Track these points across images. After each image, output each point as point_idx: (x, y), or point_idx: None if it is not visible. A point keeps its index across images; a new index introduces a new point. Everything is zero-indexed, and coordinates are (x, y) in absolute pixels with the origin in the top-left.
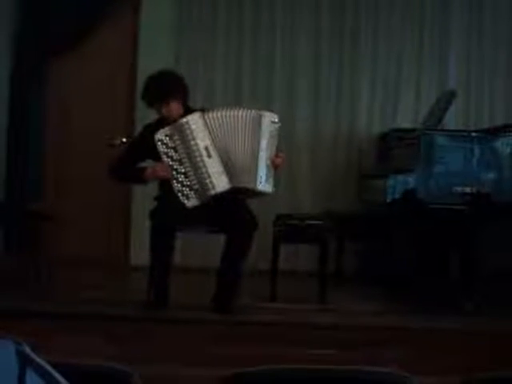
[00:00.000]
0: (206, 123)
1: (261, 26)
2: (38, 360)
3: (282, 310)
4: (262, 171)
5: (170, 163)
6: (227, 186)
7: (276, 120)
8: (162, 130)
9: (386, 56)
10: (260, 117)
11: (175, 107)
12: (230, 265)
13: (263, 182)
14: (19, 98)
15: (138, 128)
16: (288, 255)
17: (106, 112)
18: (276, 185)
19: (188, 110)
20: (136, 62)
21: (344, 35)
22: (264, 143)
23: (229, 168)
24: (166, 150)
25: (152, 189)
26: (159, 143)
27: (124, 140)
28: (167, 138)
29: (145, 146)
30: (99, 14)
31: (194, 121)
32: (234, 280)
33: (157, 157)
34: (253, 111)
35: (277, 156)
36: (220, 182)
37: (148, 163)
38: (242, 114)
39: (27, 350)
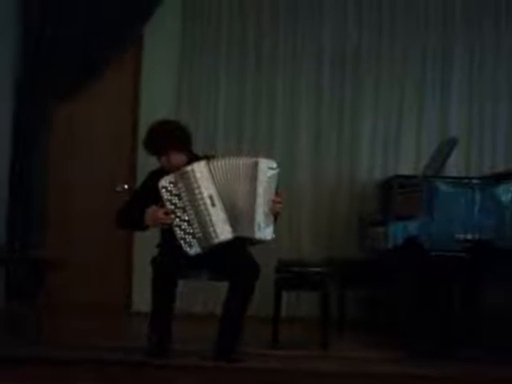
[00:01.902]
0: (210, 172)
1: (262, 70)
2: None
3: (284, 357)
4: (260, 218)
5: (174, 210)
6: (230, 236)
7: (274, 166)
8: (166, 177)
9: (387, 103)
10: (256, 164)
11: (176, 158)
12: (233, 312)
13: (262, 230)
14: (22, 141)
15: (140, 172)
16: (290, 302)
17: (109, 156)
18: (277, 231)
19: (192, 157)
20: (138, 103)
21: (345, 82)
22: (261, 190)
23: (232, 217)
24: (169, 197)
25: (154, 234)
26: (163, 190)
27: (126, 186)
28: (171, 185)
29: (149, 193)
30: (103, 59)
31: (199, 169)
32: (236, 327)
33: (160, 204)
34: (249, 158)
35: (275, 201)
36: (223, 231)
37: None
38: (241, 162)
39: None
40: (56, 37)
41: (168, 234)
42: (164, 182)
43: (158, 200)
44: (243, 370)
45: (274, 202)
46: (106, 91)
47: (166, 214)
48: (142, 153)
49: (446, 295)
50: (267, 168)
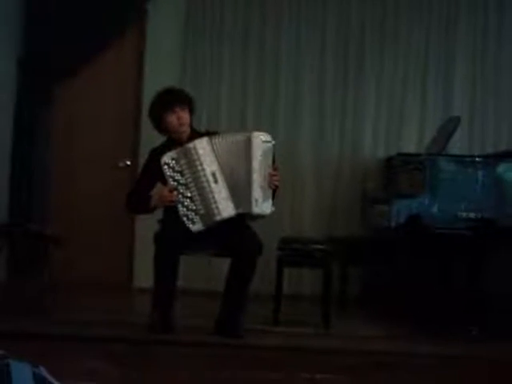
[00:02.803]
0: (212, 148)
1: (265, 52)
2: (55, 383)
3: (286, 334)
4: (257, 193)
5: (177, 187)
6: (233, 212)
7: (268, 139)
8: (168, 154)
9: (390, 81)
10: (249, 138)
11: (184, 113)
12: (236, 288)
13: (259, 205)
14: (24, 121)
15: (144, 149)
16: (292, 279)
17: (111, 134)
18: (280, 209)
19: (194, 133)
20: (142, 81)
21: (349, 59)
22: (256, 164)
23: (233, 193)
24: (172, 174)
25: (156, 211)
26: (165, 167)
27: (128, 163)
28: (173, 162)
29: (153, 171)
30: (105, 39)
31: (201, 145)
32: (239, 303)
33: (164, 181)
34: (245, 133)
35: (271, 175)
36: (226, 208)
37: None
38: (238, 137)
39: (44, 372)
40: (59, 13)
41: (170, 210)
42: (166, 158)
43: (161, 176)
44: (246, 347)
45: (270, 175)
46: (109, 68)
47: (171, 191)
48: (145, 129)
49: (449, 273)
50: (261, 142)
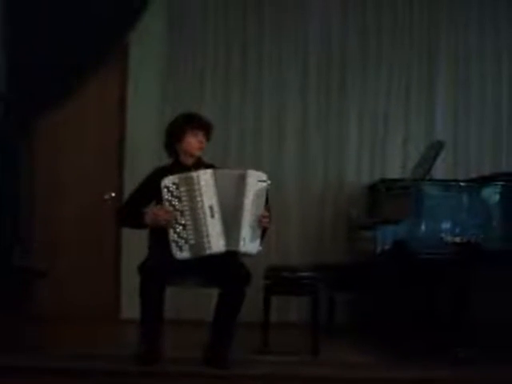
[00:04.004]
0: (215, 182)
1: (248, 76)
2: None
3: (274, 363)
4: (245, 232)
5: (171, 215)
6: (223, 249)
7: (263, 179)
8: (170, 177)
9: (373, 106)
10: (244, 176)
11: (204, 143)
12: (225, 318)
13: (246, 244)
14: (7, 155)
15: (127, 181)
16: (279, 307)
17: (95, 165)
18: (265, 237)
19: (200, 162)
20: (125, 111)
21: (331, 87)
22: (248, 203)
23: (225, 229)
24: (169, 198)
25: (142, 241)
26: (165, 189)
27: (113, 194)
28: (174, 187)
29: (151, 189)
30: (89, 67)
31: (204, 177)
32: (227, 333)
33: (161, 201)
34: (241, 170)
35: (263, 215)
36: (217, 243)
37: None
38: (234, 174)
39: None
40: (40, 46)
41: (156, 239)
42: (167, 181)
43: (157, 196)
44: (235, 377)
45: (261, 215)
46: (92, 99)
47: (167, 212)
48: (128, 167)
49: (435, 298)
50: (256, 181)
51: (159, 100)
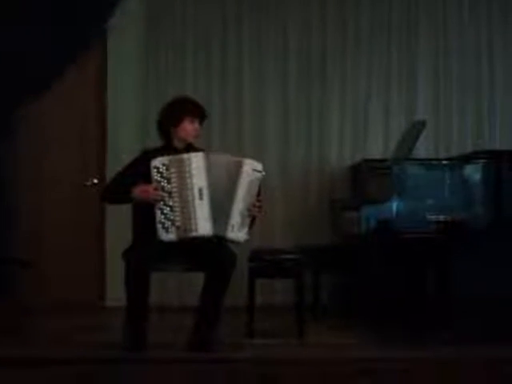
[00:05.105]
0: (206, 165)
1: (228, 68)
2: None
3: (260, 346)
4: (235, 219)
5: (160, 193)
6: (210, 233)
7: (258, 169)
8: (160, 158)
9: (354, 88)
10: (241, 164)
11: (199, 130)
12: (211, 301)
13: (234, 231)
14: None
15: (110, 169)
16: (264, 290)
17: (77, 154)
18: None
19: (191, 146)
20: (105, 102)
21: (312, 70)
22: (241, 191)
23: (213, 213)
24: (159, 179)
25: (126, 227)
26: (154, 170)
27: (96, 181)
28: (163, 168)
29: (139, 169)
30: (68, 57)
31: (196, 159)
32: (214, 317)
33: (149, 182)
34: (237, 157)
35: (254, 205)
36: (204, 227)
37: None
38: (230, 160)
39: None
40: (18, 37)
41: (140, 223)
42: (157, 162)
43: (145, 177)
44: (221, 361)
45: (252, 204)
46: (72, 88)
47: (156, 189)
48: (111, 153)
49: (420, 277)
50: (251, 170)
51: (140, 88)
